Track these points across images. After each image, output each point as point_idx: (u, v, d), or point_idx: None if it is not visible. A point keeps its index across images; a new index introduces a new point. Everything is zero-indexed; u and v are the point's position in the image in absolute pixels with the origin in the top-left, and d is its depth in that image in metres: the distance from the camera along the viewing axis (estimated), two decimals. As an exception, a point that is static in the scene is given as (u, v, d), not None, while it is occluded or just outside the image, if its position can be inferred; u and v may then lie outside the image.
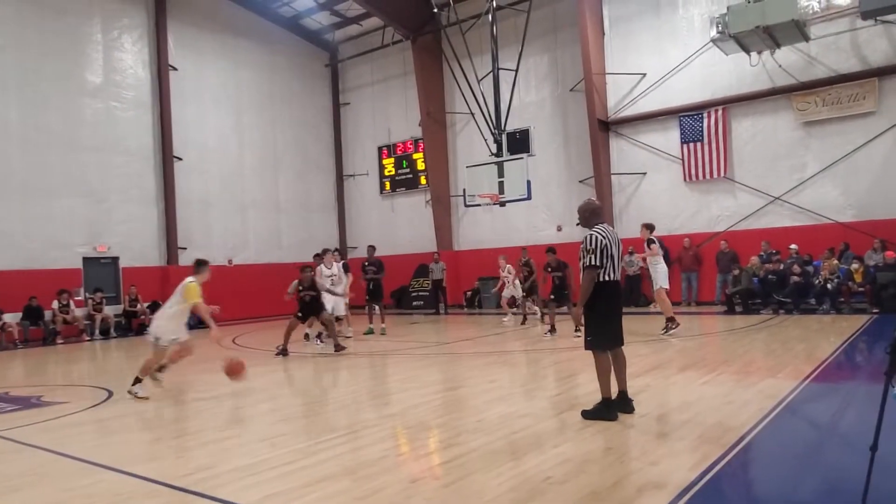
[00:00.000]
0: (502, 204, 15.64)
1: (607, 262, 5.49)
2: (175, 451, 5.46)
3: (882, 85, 14.56)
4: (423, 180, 22.14)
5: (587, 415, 5.51)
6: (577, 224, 6.03)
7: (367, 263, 13.77)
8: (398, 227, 22.81)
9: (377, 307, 13.86)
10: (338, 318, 12.26)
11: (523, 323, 14.50)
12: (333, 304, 12.07)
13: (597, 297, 5.51)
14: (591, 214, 5.76)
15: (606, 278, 5.51)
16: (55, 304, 15.87)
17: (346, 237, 24.39)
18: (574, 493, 3.76)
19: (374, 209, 23.81)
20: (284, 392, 7.78)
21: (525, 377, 8.38)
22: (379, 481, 4.15)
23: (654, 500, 3.61)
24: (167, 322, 7.64)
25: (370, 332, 13.58)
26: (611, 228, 5.70)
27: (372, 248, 14.41)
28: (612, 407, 5.49)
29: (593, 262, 5.47)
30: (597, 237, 5.52)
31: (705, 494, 3.71)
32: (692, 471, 4.04)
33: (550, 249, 12.59)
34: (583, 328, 5.73)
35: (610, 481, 3.95)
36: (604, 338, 5.58)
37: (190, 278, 7.64)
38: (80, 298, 16.87)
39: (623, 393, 5.68)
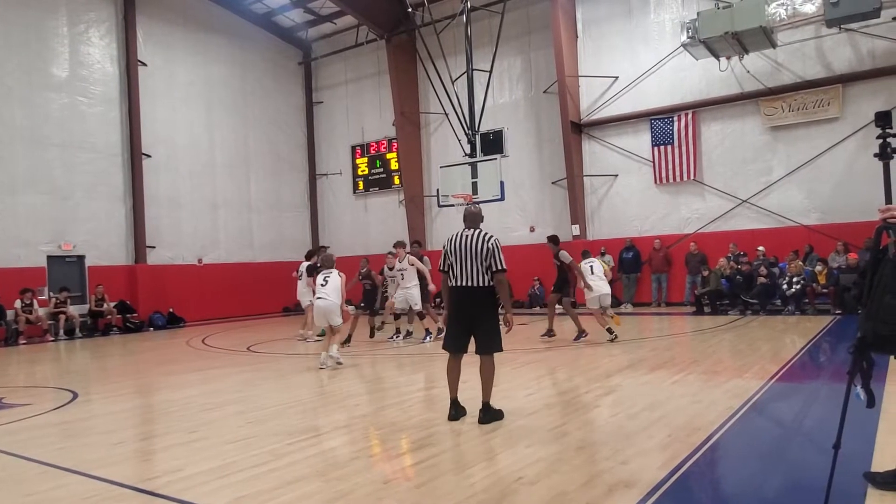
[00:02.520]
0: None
1: (454, 266, 5.58)
2: (142, 454, 5.36)
3: (846, 91, 14.95)
4: (396, 180, 22.08)
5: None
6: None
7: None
8: (371, 227, 22.71)
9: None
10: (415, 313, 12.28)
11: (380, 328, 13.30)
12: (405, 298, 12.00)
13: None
14: (465, 218, 5.79)
15: (452, 283, 5.65)
16: (18, 304, 15.46)
17: (319, 237, 24.19)
18: (545, 493, 3.78)
19: (347, 209, 23.67)
20: (253, 393, 7.68)
21: (498, 376, 8.37)
22: (350, 483, 4.12)
23: (623, 499, 3.65)
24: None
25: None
26: (467, 234, 5.59)
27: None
28: (452, 406, 5.69)
29: (439, 267, 5.79)
30: (444, 243, 5.74)
31: (674, 493, 3.76)
32: (661, 469, 4.09)
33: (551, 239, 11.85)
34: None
35: (581, 481, 3.98)
36: (445, 340, 5.85)
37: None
38: (43, 298, 16.46)
39: (453, 400, 5.74)
